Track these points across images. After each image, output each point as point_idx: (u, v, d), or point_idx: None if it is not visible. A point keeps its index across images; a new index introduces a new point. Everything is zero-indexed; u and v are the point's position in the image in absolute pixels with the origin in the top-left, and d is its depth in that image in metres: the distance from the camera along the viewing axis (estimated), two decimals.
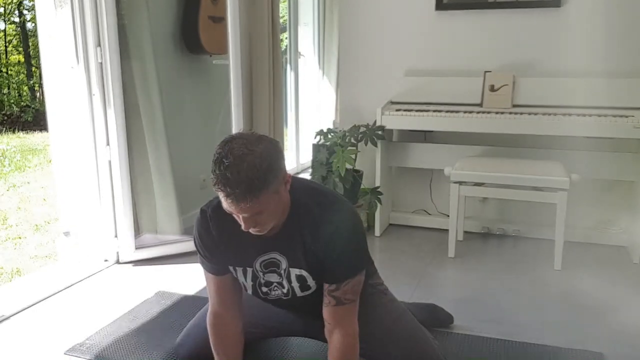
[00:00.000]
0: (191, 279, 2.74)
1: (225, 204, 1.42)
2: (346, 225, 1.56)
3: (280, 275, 1.63)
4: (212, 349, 1.74)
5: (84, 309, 2.46)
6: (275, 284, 1.66)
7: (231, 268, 1.67)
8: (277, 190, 1.44)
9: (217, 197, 1.52)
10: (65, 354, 2.06)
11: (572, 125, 2.87)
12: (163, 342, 2.11)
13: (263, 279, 1.65)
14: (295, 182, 1.58)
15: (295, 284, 1.63)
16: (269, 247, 1.60)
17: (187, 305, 2.44)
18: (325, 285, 1.59)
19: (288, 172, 1.51)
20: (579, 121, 2.86)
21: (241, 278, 1.68)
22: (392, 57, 3.49)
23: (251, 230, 1.48)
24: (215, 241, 1.63)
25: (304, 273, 1.61)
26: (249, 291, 1.71)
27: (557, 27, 3.15)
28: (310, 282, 1.62)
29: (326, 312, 1.60)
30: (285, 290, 1.66)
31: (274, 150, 1.44)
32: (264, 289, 1.68)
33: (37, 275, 2.88)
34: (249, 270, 1.65)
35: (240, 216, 1.44)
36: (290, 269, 1.61)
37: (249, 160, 1.36)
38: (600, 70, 3.07)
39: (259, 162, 1.37)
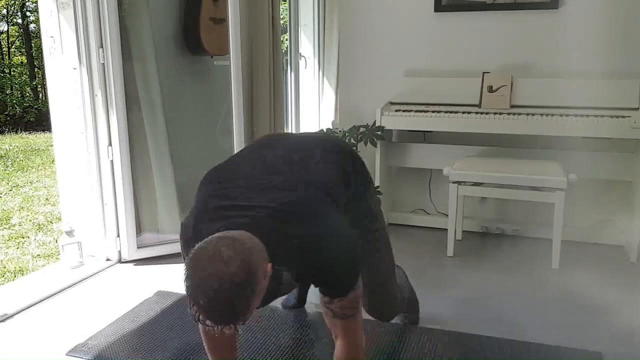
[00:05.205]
0: None
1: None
2: (331, 252, 1.47)
3: None
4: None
5: (86, 308, 2.48)
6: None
7: None
8: (259, 293, 1.33)
9: (199, 209, 1.59)
10: (67, 354, 2.08)
11: (570, 126, 2.89)
12: (164, 343, 2.14)
13: None
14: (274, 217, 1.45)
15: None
16: None
17: (187, 305, 2.45)
18: (320, 295, 1.55)
19: (268, 262, 1.35)
20: (577, 121, 2.88)
21: None
22: (392, 58, 3.51)
23: None
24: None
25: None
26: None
27: (554, 28, 3.17)
28: None
29: (327, 321, 1.59)
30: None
31: (250, 262, 1.27)
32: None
33: (39, 275, 2.91)
34: None
35: None
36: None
37: (226, 297, 1.24)
38: (597, 71, 3.09)
39: (237, 296, 1.25)
